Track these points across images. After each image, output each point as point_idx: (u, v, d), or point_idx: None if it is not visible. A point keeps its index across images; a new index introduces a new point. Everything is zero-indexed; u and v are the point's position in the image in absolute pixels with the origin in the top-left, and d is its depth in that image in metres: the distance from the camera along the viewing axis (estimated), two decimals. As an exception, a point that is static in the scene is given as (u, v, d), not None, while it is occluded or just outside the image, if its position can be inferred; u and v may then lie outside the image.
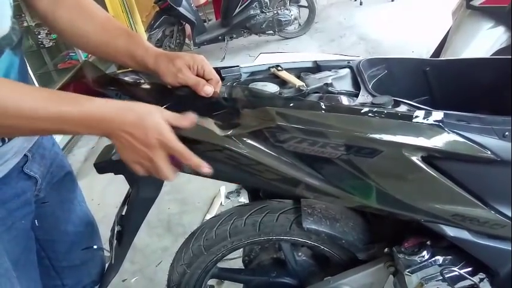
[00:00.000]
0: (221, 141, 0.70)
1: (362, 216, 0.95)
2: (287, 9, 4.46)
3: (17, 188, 0.78)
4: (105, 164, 0.81)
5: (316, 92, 0.84)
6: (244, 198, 2.11)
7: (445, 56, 1.85)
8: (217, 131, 0.70)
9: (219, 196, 2.14)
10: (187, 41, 4.77)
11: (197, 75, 0.77)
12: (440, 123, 0.65)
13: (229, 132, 0.70)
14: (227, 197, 2.16)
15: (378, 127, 0.66)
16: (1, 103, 0.55)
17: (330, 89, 0.85)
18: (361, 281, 0.94)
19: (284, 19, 4.45)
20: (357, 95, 0.82)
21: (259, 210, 0.95)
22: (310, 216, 0.89)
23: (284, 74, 0.88)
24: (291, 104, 0.69)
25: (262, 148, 0.70)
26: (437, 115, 0.66)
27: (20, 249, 0.79)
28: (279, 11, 4.44)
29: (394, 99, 0.74)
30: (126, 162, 0.66)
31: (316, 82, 0.85)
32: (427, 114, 0.67)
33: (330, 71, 0.92)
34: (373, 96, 0.79)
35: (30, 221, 0.84)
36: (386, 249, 0.90)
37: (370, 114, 0.66)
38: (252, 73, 0.95)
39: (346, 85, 0.88)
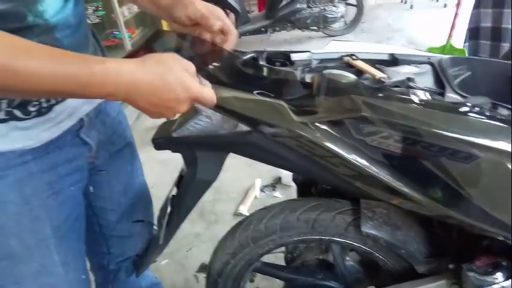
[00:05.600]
0: (296, 128, 0.65)
1: (425, 226, 0.87)
2: (334, 6, 4.35)
3: (69, 153, 0.76)
4: (164, 140, 0.77)
5: (396, 86, 0.77)
6: (279, 194, 2.06)
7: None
8: (293, 116, 0.65)
9: (253, 188, 2.10)
10: (229, 29, 4.73)
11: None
12: (550, 133, 0.58)
13: (305, 119, 0.65)
14: (262, 190, 2.11)
15: (478, 130, 0.59)
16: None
17: (411, 84, 0.78)
18: (419, 296, 0.87)
19: (330, 16, 4.34)
20: (441, 94, 0.75)
21: (314, 207, 0.89)
22: (370, 220, 0.83)
23: (361, 64, 0.82)
24: (380, 95, 0.62)
25: (342, 139, 0.64)
26: (548, 123, 0.59)
27: (63, 217, 0.77)
28: (326, 7, 4.33)
29: (491, 102, 0.66)
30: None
31: (397, 75, 0.78)
32: (536, 122, 0.59)
33: (409, 65, 0.85)
34: (462, 96, 0.72)
35: (81, 188, 0.81)
36: (451, 265, 0.82)
37: (470, 115, 0.59)
38: (322, 60, 0.89)
39: (428, 82, 0.81)
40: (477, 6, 2.49)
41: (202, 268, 1.66)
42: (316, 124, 0.65)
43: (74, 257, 0.81)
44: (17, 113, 0.63)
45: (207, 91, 0.61)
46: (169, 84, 0.56)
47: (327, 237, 0.89)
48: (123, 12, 3.85)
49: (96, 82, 0.53)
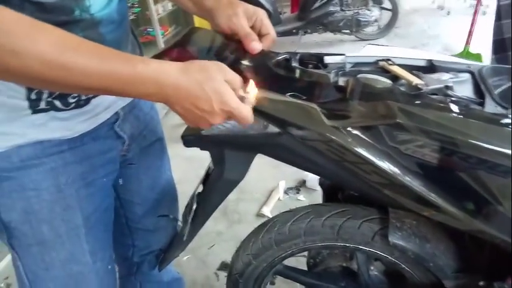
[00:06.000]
0: (327, 131, 0.63)
1: (456, 240, 0.84)
2: (368, 10, 4.27)
3: (103, 145, 0.78)
4: (194, 138, 0.78)
5: (434, 94, 0.74)
6: (303, 197, 2.04)
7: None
8: (325, 119, 0.64)
9: (277, 190, 2.09)
10: (261, 30, 4.73)
11: (253, 27, 0.73)
12: None
13: (337, 123, 0.63)
14: (286, 192, 2.10)
15: (521, 143, 0.56)
16: (47, 54, 0.48)
17: (449, 92, 0.75)
18: (446, 312, 0.84)
19: (364, 19, 4.27)
20: (481, 104, 0.72)
21: (340, 213, 0.87)
22: (399, 230, 0.80)
23: (397, 69, 0.79)
24: (417, 102, 0.60)
25: (374, 146, 0.62)
26: None
27: (94, 207, 0.79)
28: (360, 11, 4.26)
29: (535, 115, 0.63)
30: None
31: (435, 82, 0.75)
32: None
33: (448, 73, 0.82)
34: (504, 107, 0.69)
35: (112, 180, 0.83)
36: (481, 283, 0.79)
37: (512, 127, 0.56)
38: (357, 64, 0.87)
39: (467, 91, 0.77)
40: (498, 18, 2.43)
41: (223, 266, 1.67)
42: (348, 129, 0.63)
43: (101, 247, 0.83)
44: (57, 103, 0.65)
45: (243, 109, 0.59)
46: (206, 94, 0.55)
47: (352, 245, 0.87)
48: (158, 10, 3.92)
49: (138, 81, 0.53)
